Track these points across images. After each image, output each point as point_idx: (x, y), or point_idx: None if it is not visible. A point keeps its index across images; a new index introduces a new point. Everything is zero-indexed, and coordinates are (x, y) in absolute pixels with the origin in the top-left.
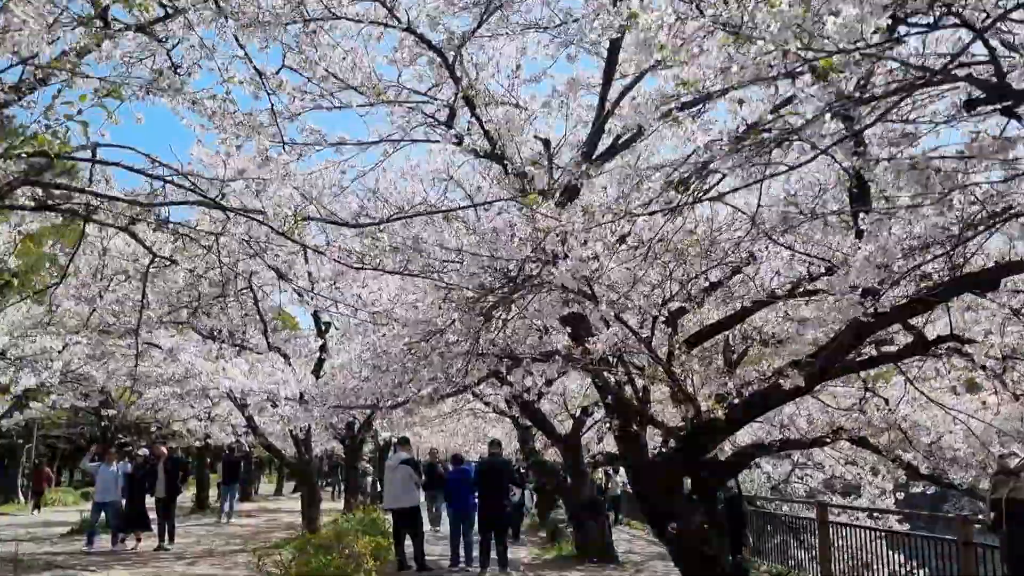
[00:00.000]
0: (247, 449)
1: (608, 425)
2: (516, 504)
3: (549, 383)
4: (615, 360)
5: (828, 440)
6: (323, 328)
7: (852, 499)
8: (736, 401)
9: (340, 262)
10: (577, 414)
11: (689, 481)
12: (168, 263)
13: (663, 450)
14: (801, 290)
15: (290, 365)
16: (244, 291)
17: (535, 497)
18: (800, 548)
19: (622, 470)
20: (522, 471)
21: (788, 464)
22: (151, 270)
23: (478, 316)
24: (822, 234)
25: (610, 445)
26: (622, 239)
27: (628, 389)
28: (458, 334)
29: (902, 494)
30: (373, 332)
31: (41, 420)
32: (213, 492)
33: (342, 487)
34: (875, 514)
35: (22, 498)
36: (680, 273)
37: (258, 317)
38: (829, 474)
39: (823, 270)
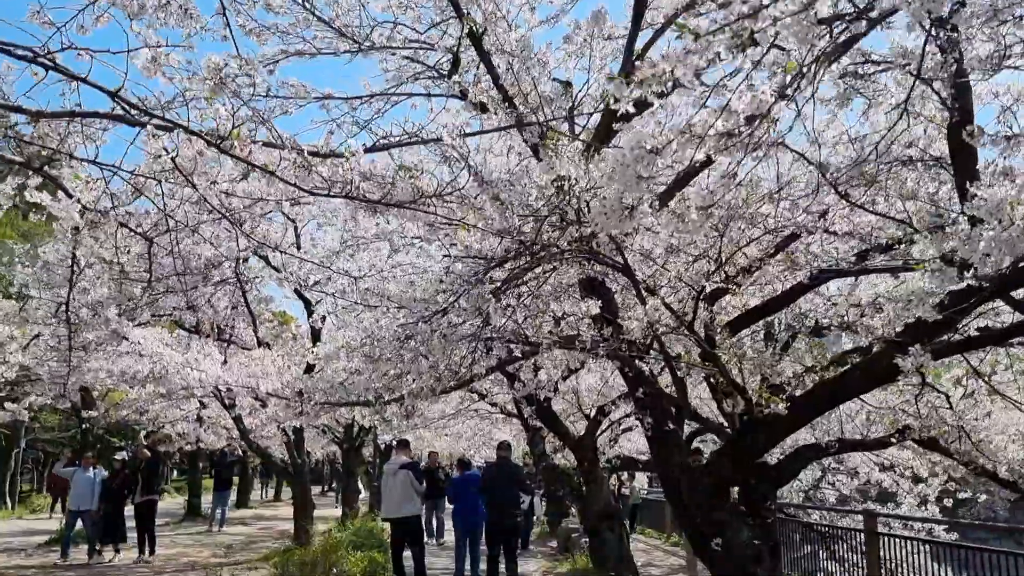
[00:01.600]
0: (240, 453)
1: (622, 425)
2: (525, 512)
3: (565, 378)
4: (648, 345)
5: (893, 441)
6: (312, 312)
7: (890, 507)
8: (798, 392)
9: (297, 187)
10: (592, 414)
11: (736, 490)
12: (102, 217)
13: (698, 455)
14: (876, 261)
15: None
16: (230, 280)
17: (544, 504)
18: (832, 559)
19: (640, 475)
20: (532, 476)
21: (817, 469)
22: (86, 230)
23: (487, 295)
24: (913, 187)
25: (626, 448)
26: (668, 194)
27: (665, 380)
28: (462, 314)
29: (950, 501)
30: (366, 317)
31: (28, 424)
32: (207, 498)
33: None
34: (922, 525)
35: (9, 503)
36: (727, 241)
37: (246, 310)
38: (864, 480)
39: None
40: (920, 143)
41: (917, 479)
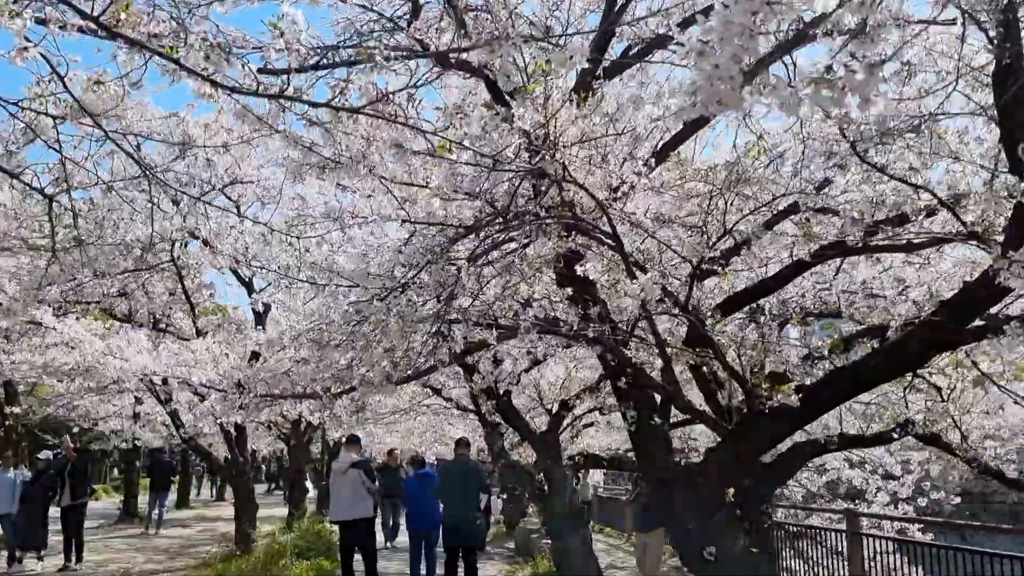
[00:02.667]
0: (177, 451)
1: (582, 421)
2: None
3: (528, 370)
4: (631, 329)
5: (895, 436)
6: (251, 290)
7: (861, 505)
8: (811, 381)
9: (235, 91)
10: (555, 409)
11: (731, 492)
12: None
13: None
14: (883, 237)
15: (208, 344)
16: (166, 265)
17: (501, 503)
18: (799, 559)
19: (595, 472)
20: (489, 474)
21: None
22: None
23: (452, 269)
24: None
25: (587, 445)
26: (660, 157)
27: (650, 368)
28: (424, 292)
29: (924, 501)
30: (314, 297)
31: None
32: (145, 499)
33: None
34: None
35: None
36: (729, 208)
37: (184, 297)
38: (832, 477)
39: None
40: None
41: (889, 476)
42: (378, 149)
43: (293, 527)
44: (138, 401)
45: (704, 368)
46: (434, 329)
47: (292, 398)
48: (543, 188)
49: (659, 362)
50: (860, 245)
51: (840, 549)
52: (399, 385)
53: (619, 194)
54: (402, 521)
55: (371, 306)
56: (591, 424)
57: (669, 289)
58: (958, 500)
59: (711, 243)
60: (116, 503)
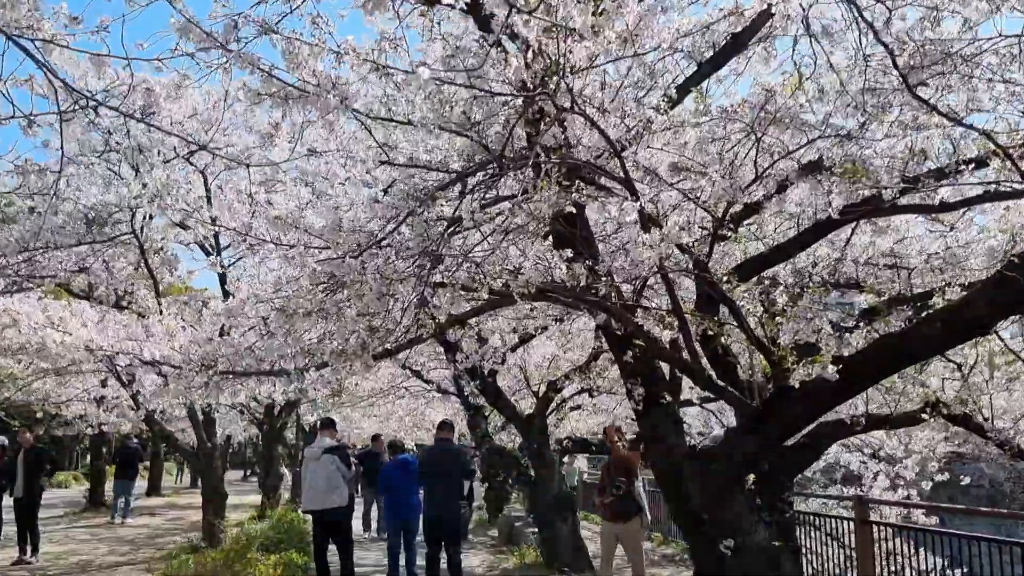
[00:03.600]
0: (147, 437)
1: (569, 404)
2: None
3: (514, 349)
4: (638, 295)
5: (925, 417)
6: (217, 251)
7: (858, 490)
8: (852, 352)
9: None
10: (542, 391)
11: (751, 479)
12: None
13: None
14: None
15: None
16: (128, 237)
17: (484, 489)
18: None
19: (580, 457)
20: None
21: None
22: None
23: (439, 222)
24: None
25: (579, 429)
26: (682, 92)
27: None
28: (405, 249)
29: (928, 484)
30: (280, 260)
31: None
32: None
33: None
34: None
35: None
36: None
37: (145, 270)
38: (829, 460)
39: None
40: None
41: (892, 460)
42: (353, 66)
43: (266, 516)
44: (103, 384)
45: (718, 340)
46: (416, 293)
47: (257, 375)
48: (543, 126)
49: (666, 333)
50: (895, 203)
51: (838, 535)
52: (377, 360)
53: (634, 134)
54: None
55: (343, 265)
56: (578, 407)
57: (686, 246)
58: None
59: (747, 185)
60: (83, 491)
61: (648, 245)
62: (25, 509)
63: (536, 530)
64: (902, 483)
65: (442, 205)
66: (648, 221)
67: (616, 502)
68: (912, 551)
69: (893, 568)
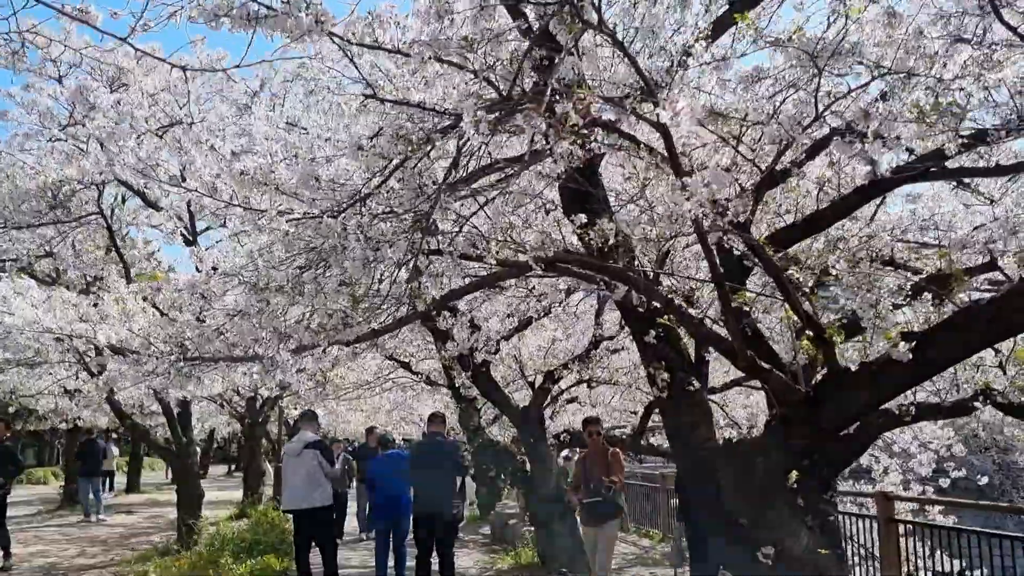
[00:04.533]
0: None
1: (565, 395)
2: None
3: (508, 337)
4: (660, 264)
5: (977, 405)
6: (192, 235)
7: (864, 484)
8: (921, 330)
9: None
10: (538, 381)
11: (794, 476)
12: None
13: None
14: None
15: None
16: (95, 217)
17: (475, 485)
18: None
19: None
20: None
21: None
22: None
23: (435, 175)
24: None
25: (576, 423)
26: (721, 25)
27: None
28: (396, 204)
29: (946, 481)
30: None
31: None
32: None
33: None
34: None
35: None
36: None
37: (114, 251)
38: None
39: None
40: None
41: (907, 454)
42: None
43: (247, 514)
44: (77, 376)
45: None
46: (407, 261)
47: (227, 361)
48: (558, 58)
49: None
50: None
51: (852, 534)
52: (362, 342)
53: (672, 67)
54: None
55: (321, 226)
56: (574, 399)
57: (723, 203)
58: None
59: (803, 127)
60: (58, 488)
61: (686, 194)
62: None
63: (532, 529)
64: (913, 478)
65: (438, 156)
66: (681, 170)
67: (598, 504)
68: (929, 551)
69: (908, 569)
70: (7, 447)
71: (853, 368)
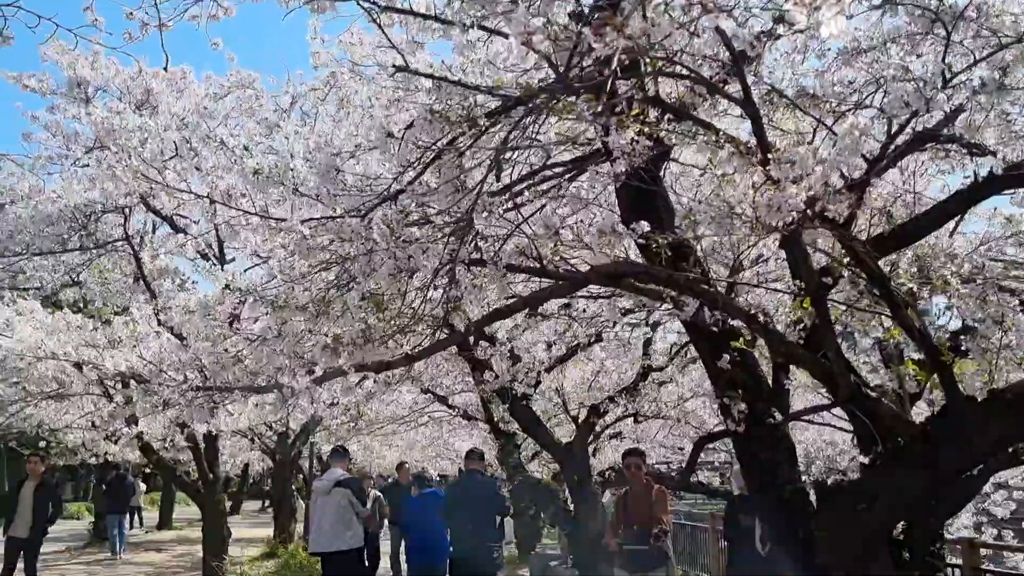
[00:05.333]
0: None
1: (608, 431)
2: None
3: (549, 369)
4: (733, 273)
5: None
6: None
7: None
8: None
9: None
10: (582, 415)
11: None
12: None
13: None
14: None
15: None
16: (119, 244)
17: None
18: None
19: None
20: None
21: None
22: None
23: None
24: None
25: (612, 460)
26: None
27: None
28: (433, 202)
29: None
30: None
31: None
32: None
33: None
34: None
35: None
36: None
37: (140, 276)
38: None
39: None
40: None
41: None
42: None
43: (276, 553)
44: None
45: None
46: (443, 271)
47: (243, 391)
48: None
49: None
50: None
51: None
52: (392, 367)
53: (761, 35)
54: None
55: (343, 227)
56: (617, 434)
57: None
58: None
59: (945, 83)
60: (88, 524)
61: (779, 189)
62: (26, 551)
63: (576, 572)
64: (987, 520)
65: (482, 146)
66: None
67: (642, 552)
68: None
69: None
70: (48, 484)
71: (978, 397)
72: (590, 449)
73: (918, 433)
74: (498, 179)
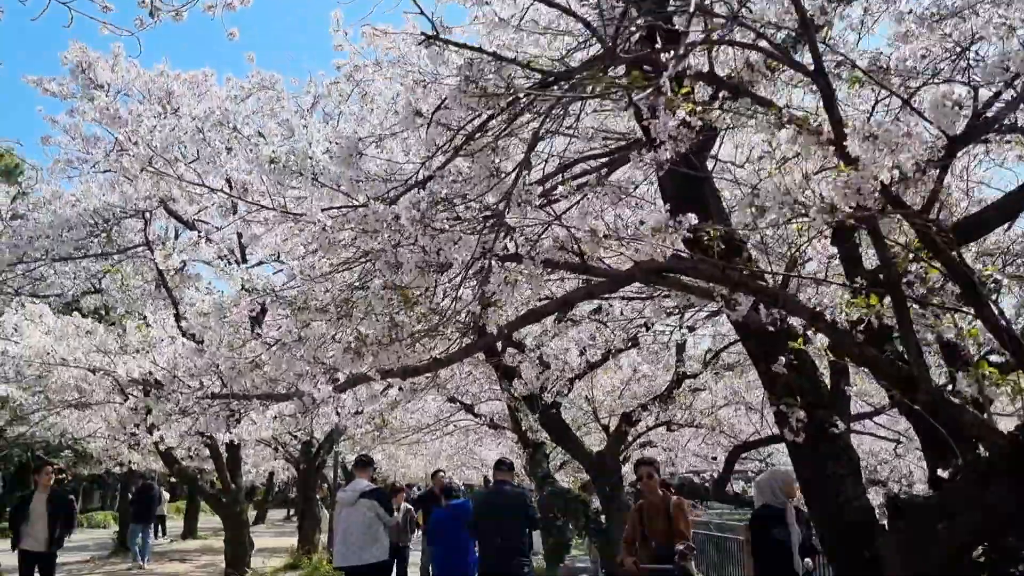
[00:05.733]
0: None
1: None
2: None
3: (581, 376)
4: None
5: None
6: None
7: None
8: None
9: None
10: (613, 424)
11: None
12: None
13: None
14: None
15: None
16: (140, 249)
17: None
18: None
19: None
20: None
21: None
22: None
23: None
24: None
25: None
26: None
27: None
28: (463, 189)
29: None
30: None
31: None
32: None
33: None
34: None
35: None
36: None
37: (162, 283)
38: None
39: None
40: None
41: None
42: None
43: (299, 564)
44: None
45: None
46: (475, 268)
47: (261, 399)
48: None
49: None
50: None
51: None
52: (419, 373)
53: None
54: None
55: (366, 215)
56: (647, 444)
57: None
58: None
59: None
60: (113, 534)
61: (869, 166)
62: (42, 566)
63: None
64: None
65: (522, 123)
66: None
67: (664, 571)
68: None
69: None
70: (61, 496)
71: None
72: (620, 458)
73: (1005, 444)
74: (528, 169)
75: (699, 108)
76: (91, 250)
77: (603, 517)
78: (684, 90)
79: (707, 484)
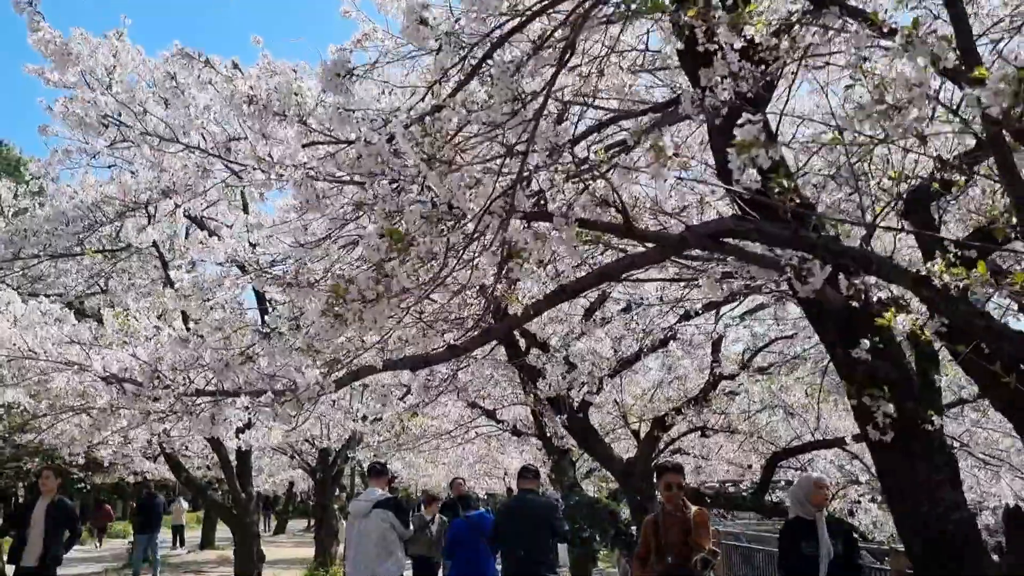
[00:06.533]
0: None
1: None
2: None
3: (612, 375)
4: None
5: None
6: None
7: None
8: None
9: None
10: (645, 429)
11: None
12: None
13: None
14: None
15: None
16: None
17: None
18: None
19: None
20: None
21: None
22: None
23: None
24: None
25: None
26: None
27: None
28: (485, 127)
29: None
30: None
31: None
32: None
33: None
34: None
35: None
36: None
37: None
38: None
39: None
40: None
41: None
42: None
43: (318, 574)
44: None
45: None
46: (497, 225)
47: (250, 395)
48: None
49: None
50: None
51: None
52: (431, 363)
53: None
54: None
55: (363, 152)
56: (678, 451)
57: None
58: None
59: None
60: (126, 544)
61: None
62: None
63: None
64: None
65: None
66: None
67: None
68: None
69: None
70: (62, 505)
71: None
72: (652, 464)
73: None
74: (552, 91)
75: (766, 31)
76: (91, 246)
77: (632, 528)
78: (751, 7)
79: (744, 492)
